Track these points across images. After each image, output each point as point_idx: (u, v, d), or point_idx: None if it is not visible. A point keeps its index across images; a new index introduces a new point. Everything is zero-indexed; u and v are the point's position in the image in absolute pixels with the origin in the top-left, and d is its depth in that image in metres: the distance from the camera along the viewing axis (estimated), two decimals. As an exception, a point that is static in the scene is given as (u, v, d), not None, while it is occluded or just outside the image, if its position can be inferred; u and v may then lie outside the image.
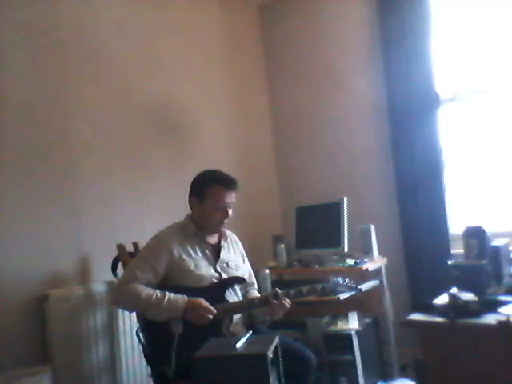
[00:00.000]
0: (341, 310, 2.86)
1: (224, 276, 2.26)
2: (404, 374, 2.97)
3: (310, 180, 3.74)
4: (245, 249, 2.51)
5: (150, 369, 2.23)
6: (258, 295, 2.34)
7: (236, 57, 3.75)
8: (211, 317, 2.07)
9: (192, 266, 2.20)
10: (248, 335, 1.89)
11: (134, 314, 2.49)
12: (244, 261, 2.46)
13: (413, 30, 3.20)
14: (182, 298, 2.08)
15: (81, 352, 2.42)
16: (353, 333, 2.71)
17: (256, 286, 2.49)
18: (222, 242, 2.36)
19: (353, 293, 2.42)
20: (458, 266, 2.30)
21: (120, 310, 2.54)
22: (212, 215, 2.26)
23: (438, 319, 1.96)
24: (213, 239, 2.35)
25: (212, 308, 2.08)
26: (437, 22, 3.21)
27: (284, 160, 3.94)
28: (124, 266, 2.47)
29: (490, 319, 1.86)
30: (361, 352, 2.70)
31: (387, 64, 3.34)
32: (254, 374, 1.70)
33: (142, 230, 2.66)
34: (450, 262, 2.38)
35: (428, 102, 3.18)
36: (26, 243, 2.36)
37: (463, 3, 3.17)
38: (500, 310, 1.93)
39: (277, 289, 2.19)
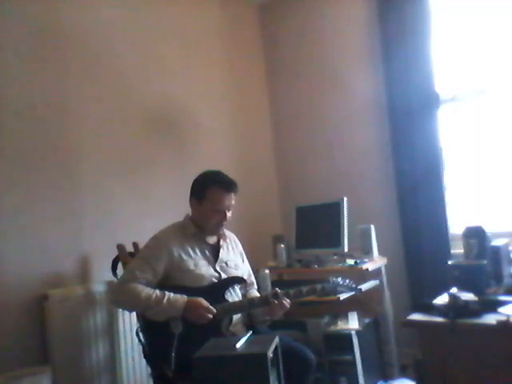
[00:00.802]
0: (341, 310, 2.86)
1: (223, 276, 2.26)
2: (404, 373, 2.97)
3: (310, 180, 3.74)
4: (245, 249, 2.51)
5: (149, 368, 2.23)
6: (258, 295, 2.35)
7: (236, 57, 3.75)
8: (211, 316, 2.07)
9: (192, 266, 2.20)
10: (248, 335, 1.89)
11: (133, 314, 2.49)
12: (243, 260, 2.46)
13: (413, 30, 3.20)
14: (181, 298, 2.08)
15: (81, 352, 2.43)
16: (353, 333, 2.71)
17: (255, 286, 2.49)
18: (221, 242, 2.36)
19: (353, 293, 2.42)
20: (458, 266, 2.29)
21: (120, 310, 2.54)
22: (210, 217, 2.25)
23: (438, 319, 1.96)
24: (212, 239, 2.36)
25: (212, 308, 2.08)
26: (437, 22, 3.21)
27: (284, 160, 3.94)
28: (124, 265, 2.47)
29: (490, 319, 1.86)
30: (361, 352, 2.70)
31: (387, 64, 3.34)
32: (254, 374, 1.70)
33: (141, 230, 2.66)
34: (449, 262, 2.38)
35: (428, 102, 3.18)
36: (26, 243, 2.36)
37: (463, 3, 3.17)
38: (500, 310, 1.93)
39: (276, 289, 2.19)
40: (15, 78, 2.43)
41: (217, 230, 2.32)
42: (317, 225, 3.16)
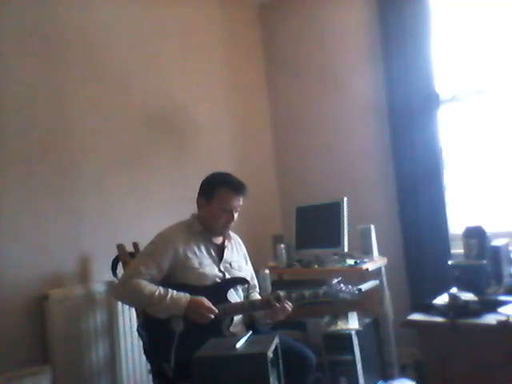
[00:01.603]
0: (341, 310, 2.86)
1: (227, 276, 2.27)
2: (404, 374, 2.97)
3: (310, 180, 3.74)
4: (246, 250, 2.51)
5: (149, 365, 2.23)
6: (260, 297, 2.35)
7: (236, 56, 3.75)
8: (212, 316, 2.07)
9: (196, 264, 2.21)
10: (248, 335, 1.89)
11: (133, 315, 2.49)
12: (247, 262, 2.47)
13: (413, 30, 3.20)
14: (184, 296, 2.08)
15: (81, 352, 2.42)
16: (353, 333, 2.71)
17: (258, 289, 2.49)
18: (226, 243, 2.37)
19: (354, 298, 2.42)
20: (458, 266, 2.29)
21: (120, 309, 2.54)
22: (218, 217, 2.27)
23: (438, 319, 1.96)
24: (217, 239, 2.37)
25: (214, 308, 2.09)
26: (437, 21, 3.21)
27: (284, 160, 3.94)
28: (124, 265, 2.47)
29: (490, 319, 1.86)
30: (361, 352, 2.70)
31: (387, 64, 3.34)
32: (254, 373, 1.70)
33: (142, 230, 2.66)
34: (450, 262, 2.37)
35: (428, 102, 3.18)
36: (26, 243, 2.36)
37: (463, 3, 3.17)
38: (500, 310, 1.93)
39: (279, 291, 2.20)
40: (15, 77, 2.43)
41: (223, 231, 2.33)
42: (317, 225, 3.16)
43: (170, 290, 2.09)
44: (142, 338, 2.23)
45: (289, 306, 2.17)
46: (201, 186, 2.35)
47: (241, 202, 2.29)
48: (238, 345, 1.79)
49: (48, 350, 2.33)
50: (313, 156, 3.76)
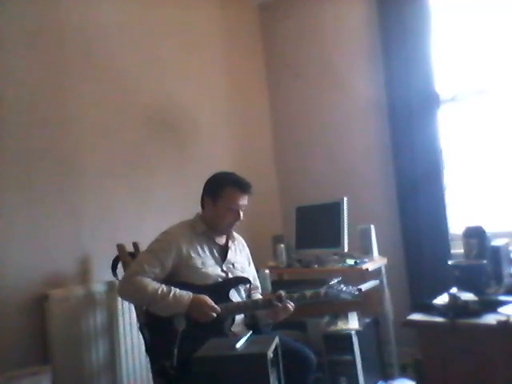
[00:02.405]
0: (341, 310, 2.86)
1: (230, 276, 2.28)
2: (404, 374, 2.97)
3: (310, 180, 3.74)
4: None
5: (150, 365, 2.23)
6: (262, 297, 2.36)
7: (236, 57, 3.75)
8: (215, 315, 2.08)
9: (199, 264, 2.21)
10: (248, 335, 1.89)
11: (134, 314, 2.49)
12: (249, 264, 2.47)
13: (413, 30, 3.20)
14: (187, 295, 2.09)
15: (81, 352, 2.42)
16: (353, 333, 2.71)
17: (260, 290, 2.50)
18: (230, 243, 2.38)
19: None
20: (458, 266, 2.29)
21: (120, 309, 2.55)
22: (224, 216, 2.27)
23: (438, 319, 1.96)
24: (221, 240, 2.37)
25: (216, 306, 2.09)
26: (437, 21, 3.21)
27: (284, 160, 3.94)
28: (124, 266, 2.47)
29: (490, 319, 1.86)
30: (361, 352, 2.70)
31: (387, 64, 3.34)
32: (254, 373, 1.70)
33: (142, 230, 2.67)
34: (450, 262, 2.37)
35: (428, 102, 3.18)
36: (26, 243, 2.36)
37: (463, 3, 3.17)
38: (500, 310, 1.93)
39: (281, 291, 2.20)
40: (15, 77, 2.42)
41: (229, 230, 2.34)
42: (317, 225, 3.16)
43: (172, 288, 2.10)
44: (143, 336, 2.23)
45: (291, 305, 2.17)
46: (205, 185, 2.35)
47: (247, 201, 2.31)
48: (238, 345, 1.79)
49: (48, 350, 2.33)
50: (313, 156, 3.76)
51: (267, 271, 2.89)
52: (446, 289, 2.20)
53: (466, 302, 1.95)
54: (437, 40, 3.20)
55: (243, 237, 2.55)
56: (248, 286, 2.36)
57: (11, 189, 2.35)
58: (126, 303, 2.54)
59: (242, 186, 2.29)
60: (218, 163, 2.53)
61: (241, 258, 2.41)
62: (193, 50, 3.40)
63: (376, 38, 3.41)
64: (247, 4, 3.91)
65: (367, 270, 2.80)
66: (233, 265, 2.32)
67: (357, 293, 2.29)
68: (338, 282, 2.27)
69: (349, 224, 2.99)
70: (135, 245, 2.60)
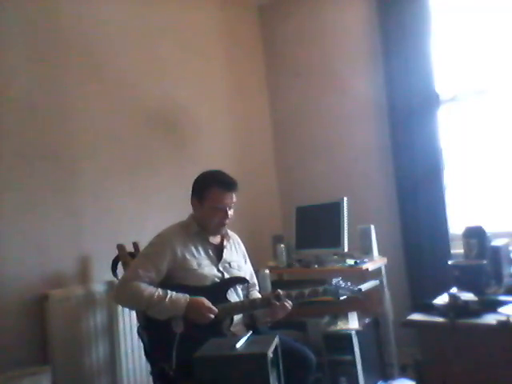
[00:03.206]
0: (341, 310, 2.86)
1: (226, 276, 2.26)
2: (404, 374, 2.97)
3: (310, 180, 3.74)
4: (245, 249, 2.51)
5: (150, 366, 2.23)
6: (260, 296, 2.35)
7: (236, 57, 3.75)
8: (213, 316, 2.07)
9: (195, 266, 2.20)
10: (248, 335, 1.89)
11: (133, 315, 2.49)
12: (246, 261, 2.46)
13: (413, 30, 3.20)
14: (183, 297, 2.08)
15: (81, 352, 2.42)
16: (353, 333, 2.71)
17: (257, 288, 2.49)
18: (225, 243, 2.36)
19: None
20: (458, 266, 2.29)
21: (120, 309, 2.54)
22: (212, 216, 2.25)
23: (438, 319, 1.96)
24: (215, 239, 2.35)
25: (213, 307, 2.08)
26: (437, 21, 3.21)
27: (284, 160, 3.94)
28: (124, 266, 2.47)
29: (490, 319, 1.86)
30: (361, 352, 2.70)
31: (387, 64, 3.34)
32: (254, 373, 1.70)
33: (142, 230, 2.67)
34: (449, 262, 2.37)
35: (428, 102, 3.19)
36: (26, 243, 2.36)
37: (463, 3, 3.17)
38: (500, 310, 1.93)
39: (279, 290, 2.19)
40: (15, 78, 2.42)
41: (219, 229, 2.31)
42: (317, 225, 3.16)
43: (169, 291, 2.08)
44: (142, 339, 2.23)
45: (288, 304, 2.16)
46: (192, 186, 2.33)
47: (234, 199, 2.27)
48: (238, 345, 1.79)
49: (48, 350, 2.33)
50: (313, 156, 3.76)
51: (267, 271, 2.89)
52: (446, 289, 2.20)
53: (466, 302, 1.96)
54: (437, 40, 3.20)
55: (243, 236, 2.55)
56: (246, 284, 2.36)
57: (11, 189, 2.35)
58: (125, 303, 2.54)
59: (225, 185, 2.25)
60: (218, 163, 2.53)
61: (237, 257, 2.39)
62: (193, 50, 3.40)
63: (376, 38, 3.41)
64: (247, 4, 3.92)
65: (367, 270, 2.80)
66: (229, 264, 2.31)
67: (356, 289, 2.29)
68: (337, 279, 2.25)
69: (349, 224, 2.99)
70: (135, 245, 2.60)
